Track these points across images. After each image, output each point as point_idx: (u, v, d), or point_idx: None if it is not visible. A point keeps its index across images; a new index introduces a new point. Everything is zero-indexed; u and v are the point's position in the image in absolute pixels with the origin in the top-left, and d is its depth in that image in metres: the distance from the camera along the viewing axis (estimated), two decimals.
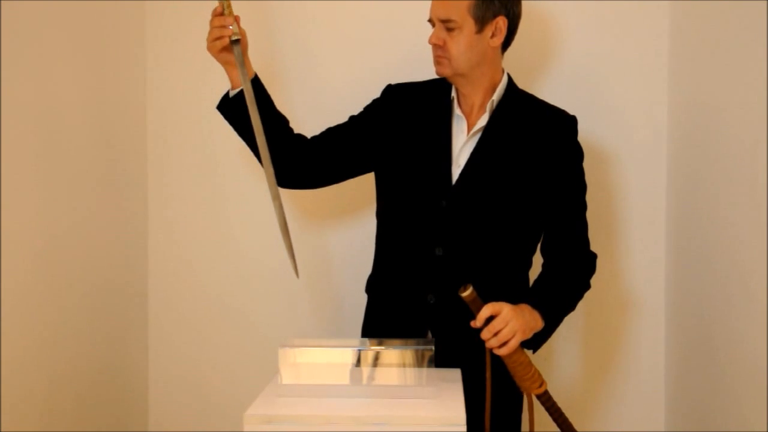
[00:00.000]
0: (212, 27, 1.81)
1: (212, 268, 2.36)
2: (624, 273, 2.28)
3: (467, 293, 1.62)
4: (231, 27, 1.80)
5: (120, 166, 2.24)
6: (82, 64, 2.04)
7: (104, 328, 2.16)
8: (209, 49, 1.83)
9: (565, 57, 2.25)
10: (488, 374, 1.68)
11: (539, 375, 1.69)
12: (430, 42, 1.78)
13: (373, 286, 1.94)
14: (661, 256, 2.26)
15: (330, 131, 1.92)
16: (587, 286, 1.88)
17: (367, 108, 1.93)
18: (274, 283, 2.35)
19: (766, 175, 1.59)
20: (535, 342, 1.77)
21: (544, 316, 1.72)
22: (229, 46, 1.81)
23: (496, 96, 1.84)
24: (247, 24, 2.30)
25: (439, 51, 1.78)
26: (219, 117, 2.32)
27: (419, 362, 1.61)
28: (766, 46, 1.59)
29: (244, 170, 2.32)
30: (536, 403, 1.77)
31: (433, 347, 1.62)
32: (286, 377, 1.61)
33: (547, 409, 1.72)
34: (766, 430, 1.59)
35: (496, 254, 1.82)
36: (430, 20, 1.81)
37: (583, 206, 1.88)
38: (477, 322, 1.64)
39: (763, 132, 1.60)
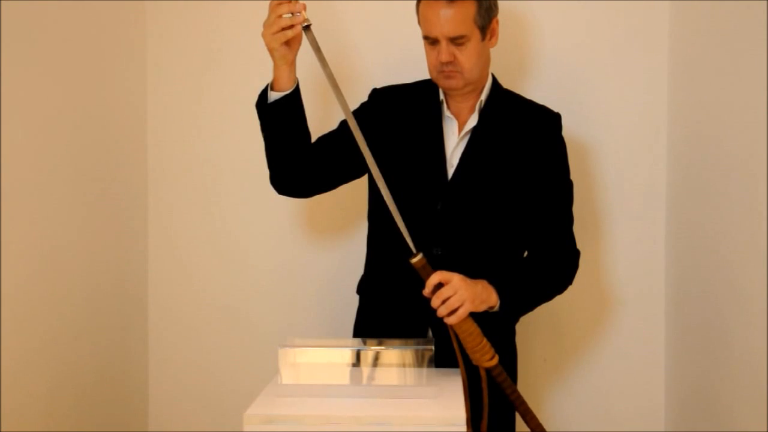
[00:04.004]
0: (278, 15, 1.68)
1: (211, 269, 2.36)
2: (624, 272, 2.28)
3: (416, 259, 1.64)
4: (299, 14, 1.67)
5: (120, 166, 2.24)
6: (83, 65, 2.04)
7: (104, 328, 2.16)
8: (271, 42, 1.70)
9: (566, 57, 2.25)
10: (455, 344, 1.68)
11: (490, 347, 1.67)
12: (441, 60, 1.75)
13: (366, 287, 1.94)
14: (661, 255, 2.26)
15: (323, 140, 1.90)
16: (566, 282, 1.87)
17: (355, 113, 1.92)
18: (273, 284, 2.35)
19: (766, 173, 1.59)
20: (495, 321, 1.75)
21: (499, 293, 1.71)
22: (295, 37, 1.69)
23: (484, 96, 1.85)
24: (243, 24, 2.32)
25: (450, 66, 1.76)
26: (219, 118, 2.34)
27: (419, 362, 1.61)
28: (766, 46, 1.59)
29: (244, 171, 2.33)
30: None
31: (433, 347, 1.62)
32: (286, 377, 1.61)
33: (500, 384, 1.70)
34: (766, 430, 1.59)
35: (493, 251, 1.83)
36: (427, 37, 1.77)
37: (568, 201, 1.88)
38: (426, 289, 1.65)
39: (763, 131, 1.60)
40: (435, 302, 1.64)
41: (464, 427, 1.48)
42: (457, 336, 1.67)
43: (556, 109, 1.90)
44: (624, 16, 2.23)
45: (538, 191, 1.83)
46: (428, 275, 1.65)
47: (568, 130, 1.96)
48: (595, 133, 2.25)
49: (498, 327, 1.79)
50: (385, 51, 2.27)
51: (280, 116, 1.79)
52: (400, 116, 1.87)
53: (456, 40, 1.74)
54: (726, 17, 1.84)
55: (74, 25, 2.00)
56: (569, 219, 1.88)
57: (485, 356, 1.67)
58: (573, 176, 1.90)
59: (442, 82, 1.81)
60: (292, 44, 1.73)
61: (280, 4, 1.69)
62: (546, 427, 2.26)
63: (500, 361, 1.70)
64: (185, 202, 2.36)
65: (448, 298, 1.63)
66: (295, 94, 1.79)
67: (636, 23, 2.23)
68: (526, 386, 2.19)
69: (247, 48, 2.32)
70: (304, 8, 1.69)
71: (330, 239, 2.34)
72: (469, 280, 1.66)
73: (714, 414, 1.90)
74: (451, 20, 1.73)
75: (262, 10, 2.29)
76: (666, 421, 2.27)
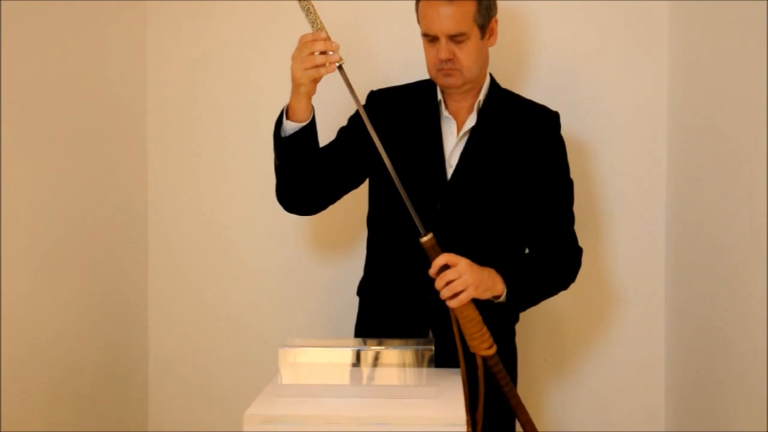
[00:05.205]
0: (312, 53, 1.65)
1: (211, 269, 2.36)
2: (624, 271, 2.28)
3: (426, 239, 1.65)
4: (332, 53, 1.66)
5: (120, 166, 2.24)
6: (83, 64, 2.04)
7: (104, 328, 2.16)
8: (302, 77, 1.68)
9: (565, 56, 2.25)
10: (455, 329, 1.68)
11: (489, 336, 1.67)
12: (440, 58, 1.75)
13: (366, 288, 1.95)
14: (661, 255, 2.26)
15: (326, 154, 1.88)
16: (569, 278, 1.87)
17: (353, 118, 1.91)
18: (273, 285, 2.35)
19: (766, 172, 1.59)
20: (499, 313, 1.76)
21: (506, 282, 1.72)
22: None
23: (482, 96, 1.85)
24: (243, 24, 2.32)
25: (449, 64, 1.77)
26: (219, 119, 2.34)
27: (419, 362, 1.61)
28: (766, 46, 1.59)
29: (245, 173, 2.33)
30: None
31: (433, 347, 1.62)
32: (286, 377, 1.61)
33: (494, 374, 1.70)
34: (766, 430, 1.59)
35: (494, 250, 1.83)
36: (426, 35, 1.78)
37: (569, 200, 1.89)
38: (432, 270, 1.65)
39: (763, 131, 1.60)
40: (439, 284, 1.65)
41: (464, 427, 1.48)
42: (457, 321, 1.68)
43: (555, 109, 1.90)
44: (624, 15, 2.23)
45: (538, 190, 1.84)
46: (436, 256, 1.65)
47: (568, 130, 1.96)
48: (595, 132, 2.25)
49: (500, 323, 1.79)
50: (382, 52, 2.27)
51: (296, 146, 1.77)
52: (398, 118, 1.87)
53: (455, 38, 1.75)
54: (726, 17, 1.84)
55: (74, 25, 2.00)
56: (570, 217, 1.88)
57: (483, 344, 1.67)
58: (573, 176, 1.90)
59: (440, 80, 1.81)
60: (317, 79, 1.72)
61: (315, 41, 1.66)
62: (546, 427, 2.27)
63: (500, 361, 1.71)
64: (185, 201, 2.36)
65: (452, 281, 1.64)
66: (312, 124, 1.78)
67: (636, 23, 2.23)
68: (526, 386, 2.19)
69: (247, 48, 2.32)
70: (338, 48, 1.67)
71: (330, 241, 2.34)
72: (476, 266, 1.67)
73: (714, 414, 1.90)
74: (451, 17, 1.73)
75: (262, 11, 2.31)
76: (666, 421, 2.27)
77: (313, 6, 1.68)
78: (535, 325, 2.27)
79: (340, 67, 1.68)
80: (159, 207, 2.36)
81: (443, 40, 1.75)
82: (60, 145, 1.95)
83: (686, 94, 2.11)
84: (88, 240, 2.07)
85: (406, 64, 2.08)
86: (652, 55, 2.23)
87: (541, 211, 1.85)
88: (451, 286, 1.64)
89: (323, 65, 1.66)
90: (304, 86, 1.70)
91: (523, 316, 1.97)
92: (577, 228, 1.90)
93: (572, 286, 1.89)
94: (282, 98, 2.31)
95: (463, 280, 1.64)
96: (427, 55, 1.81)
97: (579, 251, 1.88)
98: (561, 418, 2.31)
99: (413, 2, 1.83)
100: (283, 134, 1.77)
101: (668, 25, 2.21)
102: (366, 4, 2.27)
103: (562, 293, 1.90)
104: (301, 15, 2.32)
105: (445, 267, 1.65)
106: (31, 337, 1.84)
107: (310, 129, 1.77)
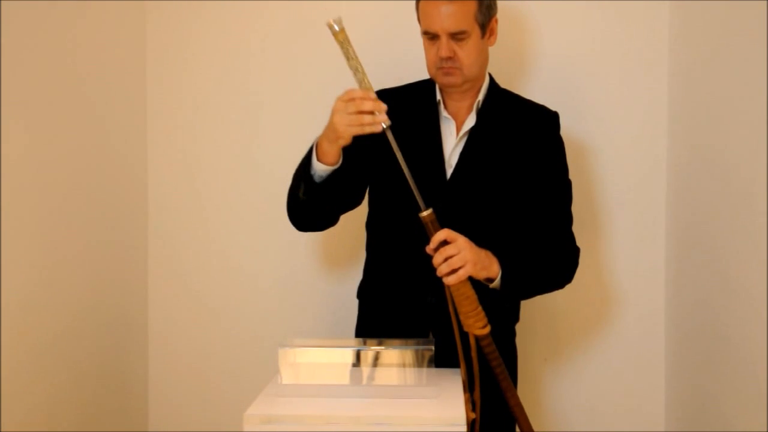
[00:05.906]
0: (361, 111, 1.63)
1: (211, 269, 2.36)
2: (624, 272, 2.28)
3: (426, 213, 1.65)
4: (379, 113, 1.63)
5: (120, 166, 2.24)
6: (83, 64, 2.04)
7: (104, 328, 2.16)
8: (345, 132, 1.65)
9: (566, 56, 2.25)
10: (451, 308, 1.68)
11: (484, 316, 1.67)
12: (441, 56, 1.76)
13: (366, 291, 1.95)
14: (661, 255, 2.26)
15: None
16: (565, 276, 1.87)
17: None
18: (272, 285, 2.35)
19: (766, 173, 1.59)
20: (495, 299, 1.76)
21: (501, 264, 1.72)
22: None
23: (481, 96, 1.86)
24: (243, 24, 2.32)
25: (450, 62, 1.77)
26: (219, 120, 2.34)
27: (419, 362, 1.61)
28: (766, 46, 1.59)
29: (244, 172, 2.33)
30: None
31: (433, 347, 1.62)
32: (286, 377, 1.61)
33: (486, 355, 1.70)
34: (766, 430, 1.59)
35: (493, 250, 1.82)
36: (427, 32, 1.78)
37: (567, 200, 1.89)
38: (431, 245, 1.65)
39: (763, 131, 1.60)
40: (437, 259, 1.64)
41: (464, 427, 1.48)
42: (452, 300, 1.67)
43: (555, 109, 1.90)
44: (624, 15, 2.23)
45: (537, 190, 1.84)
46: (435, 231, 1.65)
47: (568, 130, 1.96)
48: (595, 133, 2.25)
49: (501, 323, 1.79)
50: (381, 52, 2.26)
51: (326, 188, 1.76)
52: (397, 118, 1.86)
53: (456, 36, 1.75)
54: (726, 18, 1.84)
55: (74, 25, 2.00)
56: (568, 218, 1.88)
57: (478, 323, 1.67)
58: (573, 176, 1.90)
59: (440, 79, 1.81)
60: None
61: (364, 99, 1.64)
62: (546, 427, 2.28)
63: (493, 342, 1.70)
64: (185, 202, 2.36)
65: (451, 257, 1.63)
66: (343, 165, 1.76)
67: (636, 22, 2.23)
68: (526, 386, 2.19)
69: (248, 48, 2.32)
70: (385, 109, 1.65)
71: (330, 244, 2.34)
72: (474, 244, 1.67)
73: (714, 414, 1.90)
74: (452, 15, 1.74)
75: (263, 11, 2.30)
76: (666, 421, 2.27)
77: (361, 65, 1.65)
78: (535, 325, 2.27)
79: (386, 129, 1.65)
80: (159, 208, 2.36)
81: (444, 38, 1.75)
82: (60, 145, 1.95)
83: (686, 93, 2.11)
84: (88, 241, 2.07)
85: (404, 64, 2.07)
86: (653, 54, 2.23)
87: (540, 211, 1.84)
88: (450, 261, 1.64)
89: (369, 125, 1.64)
90: (344, 140, 1.68)
91: (523, 316, 1.97)
92: (577, 228, 1.90)
93: (572, 286, 1.89)
94: (282, 98, 2.32)
95: (462, 255, 1.64)
96: (427, 53, 1.81)
97: (576, 251, 1.88)
98: (561, 417, 2.31)
99: (412, 2, 1.83)
100: (313, 175, 1.74)
101: (668, 24, 2.21)
102: (364, 4, 2.27)
103: (562, 293, 1.90)
104: (302, 16, 2.32)
105: (444, 243, 1.65)
106: (31, 337, 1.84)
107: (341, 170, 1.76)
